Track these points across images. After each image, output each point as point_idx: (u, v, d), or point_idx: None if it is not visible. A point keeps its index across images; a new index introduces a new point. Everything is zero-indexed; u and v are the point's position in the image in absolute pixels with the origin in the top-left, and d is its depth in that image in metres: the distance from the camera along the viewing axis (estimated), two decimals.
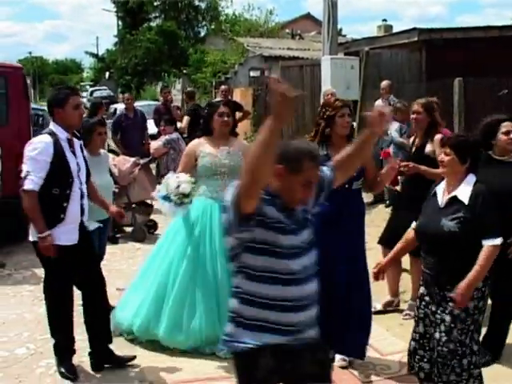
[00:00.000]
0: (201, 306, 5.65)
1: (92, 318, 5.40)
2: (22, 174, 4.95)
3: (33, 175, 4.92)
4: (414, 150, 6.44)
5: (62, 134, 5.11)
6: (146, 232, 10.05)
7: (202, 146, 5.94)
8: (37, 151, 4.97)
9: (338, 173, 3.58)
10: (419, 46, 15.14)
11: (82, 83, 68.46)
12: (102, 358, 5.41)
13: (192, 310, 5.67)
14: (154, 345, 5.78)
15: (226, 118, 5.86)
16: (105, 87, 49.09)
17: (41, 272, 7.87)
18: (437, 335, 4.34)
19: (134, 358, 5.49)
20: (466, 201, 4.25)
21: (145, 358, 5.57)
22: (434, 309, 4.39)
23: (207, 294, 5.65)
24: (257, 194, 3.00)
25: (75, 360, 5.41)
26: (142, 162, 9.82)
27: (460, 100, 11.02)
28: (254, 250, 3.16)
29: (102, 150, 6.81)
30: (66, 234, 5.07)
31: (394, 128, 10.14)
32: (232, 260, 3.27)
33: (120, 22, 51.80)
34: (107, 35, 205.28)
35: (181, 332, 5.65)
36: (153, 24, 49.18)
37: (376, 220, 9.50)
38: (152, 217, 10.38)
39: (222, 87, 14.01)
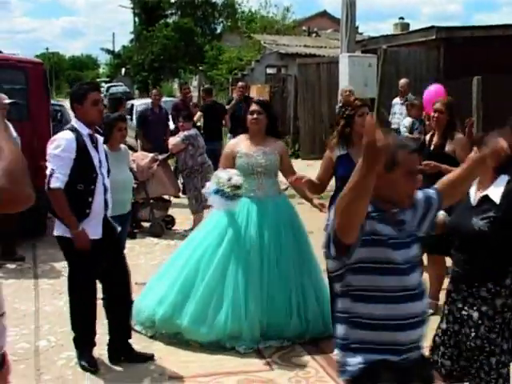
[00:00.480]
0: (228, 300, 5.69)
1: (114, 312, 5.43)
2: (47, 172, 4.96)
3: (58, 173, 4.92)
4: (432, 148, 6.47)
5: (84, 130, 5.13)
6: (164, 227, 10.11)
7: (238, 146, 6.04)
8: (60, 148, 4.98)
9: (445, 196, 3.46)
10: (437, 44, 15.15)
11: (97, 79, 68.66)
12: (121, 351, 5.46)
13: (219, 304, 5.71)
14: (172, 339, 5.82)
15: (255, 116, 5.91)
16: (121, 83, 49.20)
17: (60, 266, 8.01)
18: (466, 330, 4.34)
19: (152, 356, 5.52)
20: (497, 200, 4.24)
21: (163, 352, 5.60)
22: (460, 305, 4.39)
23: (236, 289, 5.70)
24: (355, 229, 2.83)
25: (95, 353, 5.45)
26: (160, 157, 9.87)
27: (478, 98, 11.00)
28: (360, 270, 3.00)
29: (122, 146, 6.85)
30: (91, 228, 5.11)
31: (405, 123, 10.18)
32: (335, 281, 3.12)
33: (136, 19, 51.89)
34: (123, 32, 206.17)
35: (204, 324, 5.69)
36: (169, 20, 49.22)
37: None
38: (170, 212, 10.44)
39: (240, 84, 14.07)
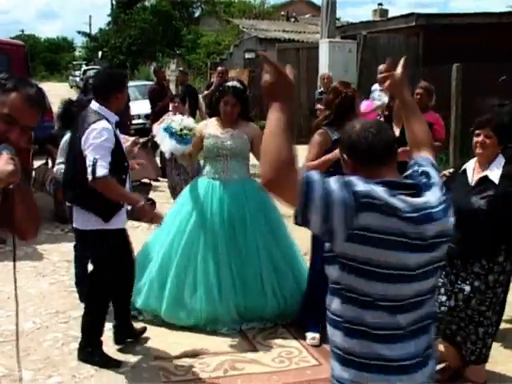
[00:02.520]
0: (201, 285, 5.75)
1: (121, 297, 5.43)
2: (89, 163, 4.69)
3: (101, 161, 4.68)
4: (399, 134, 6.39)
5: (113, 119, 4.94)
6: None
7: (207, 128, 6.01)
8: (103, 138, 4.73)
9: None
10: (416, 31, 15.27)
11: (74, 62, 68.09)
12: (125, 331, 5.50)
13: (193, 289, 5.77)
14: (159, 320, 5.88)
15: (229, 108, 5.86)
16: (98, 67, 48.87)
17: (41, 248, 8.05)
18: (452, 303, 4.55)
19: (145, 329, 5.63)
20: (496, 180, 4.47)
21: (147, 334, 5.65)
22: (453, 278, 4.59)
23: (207, 273, 5.75)
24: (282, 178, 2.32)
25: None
26: (141, 140, 9.87)
27: (457, 86, 11.12)
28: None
29: None
30: (122, 217, 5.07)
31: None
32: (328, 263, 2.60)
33: (114, 2, 51.58)
34: (100, 14, 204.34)
35: (182, 309, 5.76)
36: (147, 4, 48.96)
37: None
38: (150, 195, 10.47)
39: (219, 69, 14.06)
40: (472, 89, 11.07)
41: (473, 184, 4.60)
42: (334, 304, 2.54)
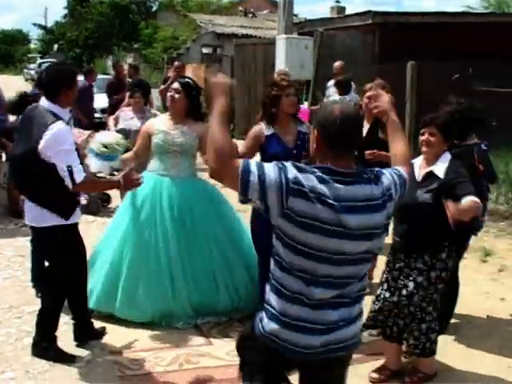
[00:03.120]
0: (154, 282, 5.74)
1: (78, 291, 5.36)
2: (63, 172, 4.61)
3: (75, 166, 4.60)
4: (366, 136, 6.44)
5: (66, 116, 4.85)
6: (100, 205, 10.10)
7: (158, 124, 6.02)
8: (68, 142, 4.64)
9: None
10: (373, 29, 15.41)
11: (29, 55, 67.22)
12: (84, 330, 5.43)
13: (145, 286, 5.74)
14: (114, 317, 5.87)
15: (171, 93, 5.87)
16: (54, 59, 48.31)
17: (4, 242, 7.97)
18: (395, 299, 4.67)
19: (104, 329, 5.58)
20: (441, 175, 4.61)
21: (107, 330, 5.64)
22: (396, 274, 4.69)
23: (159, 269, 5.75)
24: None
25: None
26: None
27: (412, 83, 11.27)
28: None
29: None
30: (78, 211, 5.02)
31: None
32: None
33: None
34: (56, 7, 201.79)
35: (135, 307, 5.75)
36: None
37: None
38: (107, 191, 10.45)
39: (176, 63, 14.07)
40: (426, 87, 11.23)
41: (419, 179, 4.73)
42: (272, 264, 2.96)
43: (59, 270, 5.08)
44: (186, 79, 6.14)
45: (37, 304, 6.00)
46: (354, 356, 3.45)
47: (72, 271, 5.10)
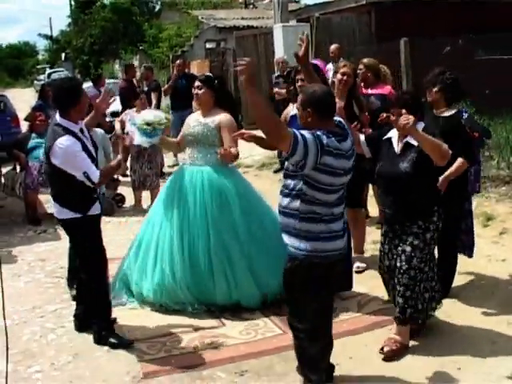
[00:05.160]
0: (159, 263, 6.14)
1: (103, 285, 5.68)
2: (82, 179, 5.18)
3: (89, 170, 5.16)
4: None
5: (76, 128, 5.32)
6: (115, 205, 10.39)
7: (190, 118, 6.42)
8: (74, 153, 5.17)
9: None
10: (368, 9, 15.53)
11: (38, 66, 67.75)
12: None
13: (154, 264, 6.19)
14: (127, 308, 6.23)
15: (195, 91, 6.21)
16: (62, 69, 48.73)
17: (16, 251, 8.29)
18: (398, 264, 4.98)
19: (115, 319, 5.85)
20: (416, 143, 4.87)
21: (119, 319, 5.90)
22: (396, 242, 5.02)
23: (163, 249, 6.16)
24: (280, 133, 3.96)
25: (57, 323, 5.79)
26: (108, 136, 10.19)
27: (406, 60, 11.42)
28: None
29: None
30: (97, 205, 5.47)
31: None
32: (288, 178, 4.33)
33: (72, 2, 51.33)
34: (60, 16, 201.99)
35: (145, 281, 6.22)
36: (106, 2, 48.81)
37: None
38: (119, 191, 10.76)
39: (177, 62, 14.38)
40: (421, 63, 11.38)
41: (398, 152, 5.03)
42: (294, 204, 4.16)
43: (85, 259, 5.49)
44: (202, 74, 6.49)
45: (58, 303, 6.42)
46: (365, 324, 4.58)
47: (99, 259, 5.51)
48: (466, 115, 5.93)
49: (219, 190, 6.08)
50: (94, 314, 5.59)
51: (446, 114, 5.71)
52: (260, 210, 6.29)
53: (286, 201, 4.23)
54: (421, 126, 4.91)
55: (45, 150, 5.40)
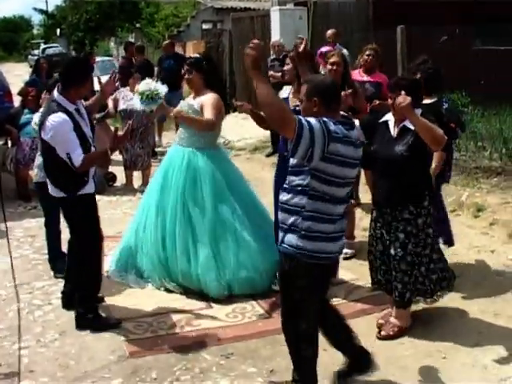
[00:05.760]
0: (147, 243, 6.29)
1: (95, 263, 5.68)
2: (64, 158, 5.09)
3: (72, 152, 5.06)
4: None
5: (71, 108, 5.24)
6: (106, 184, 10.37)
7: (186, 99, 6.54)
8: (63, 131, 5.08)
9: None
10: None
11: (32, 41, 67.34)
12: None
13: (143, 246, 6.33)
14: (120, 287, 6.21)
15: (186, 76, 6.29)
16: (56, 44, 48.44)
17: (3, 226, 8.23)
18: (392, 251, 5.03)
19: (102, 298, 5.90)
20: (413, 127, 4.86)
21: (107, 300, 5.98)
22: (388, 228, 5.03)
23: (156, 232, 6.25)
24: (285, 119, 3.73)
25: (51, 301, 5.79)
26: (97, 116, 10.09)
27: (403, 48, 11.38)
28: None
29: None
30: (89, 186, 5.39)
31: None
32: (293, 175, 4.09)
33: None
34: None
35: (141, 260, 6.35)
36: None
37: None
38: (110, 169, 10.71)
39: (164, 43, 14.85)
40: (417, 51, 11.34)
41: (395, 136, 5.04)
42: (297, 200, 3.92)
43: (80, 236, 5.45)
44: (193, 55, 6.49)
45: (46, 280, 6.41)
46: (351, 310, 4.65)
47: (89, 238, 5.48)
48: (446, 105, 6.01)
49: (194, 172, 6.13)
50: (81, 295, 5.50)
51: (426, 101, 5.70)
52: (238, 197, 6.26)
53: (287, 196, 4.01)
54: (418, 111, 4.91)
55: (39, 124, 5.38)
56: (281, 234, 4.08)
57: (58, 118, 5.11)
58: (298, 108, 4.32)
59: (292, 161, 4.02)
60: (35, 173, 6.64)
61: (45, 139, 5.19)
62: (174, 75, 12.59)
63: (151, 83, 6.33)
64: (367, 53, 7.86)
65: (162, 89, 6.27)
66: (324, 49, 9.65)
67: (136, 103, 6.40)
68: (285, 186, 4.08)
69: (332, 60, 6.59)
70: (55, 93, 5.28)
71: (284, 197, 4.04)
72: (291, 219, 3.96)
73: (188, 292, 6.05)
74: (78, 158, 5.06)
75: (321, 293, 4.19)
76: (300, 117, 3.75)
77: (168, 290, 6.12)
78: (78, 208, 5.37)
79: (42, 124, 5.21)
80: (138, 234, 6.33)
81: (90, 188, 5.42)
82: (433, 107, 5.69)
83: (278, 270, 4.33)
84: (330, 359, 4.64)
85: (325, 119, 3.79)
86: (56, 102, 5.21)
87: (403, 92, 4.70)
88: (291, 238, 3.97)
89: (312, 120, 3.74)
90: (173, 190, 6.12)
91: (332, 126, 3.77)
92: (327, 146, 3.71)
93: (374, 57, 7.91)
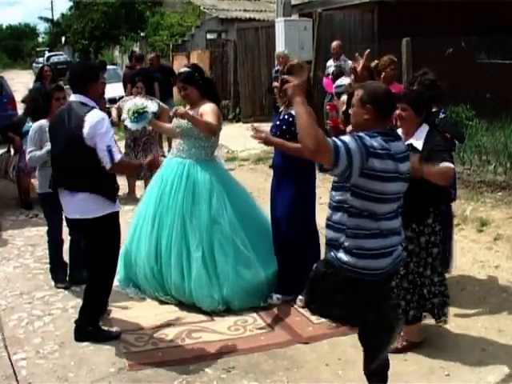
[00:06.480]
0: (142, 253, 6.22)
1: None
2: (102, 153, 4.93)
3: (113, 147, 4.96)
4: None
5: (96, 106, 5.22)
6: None
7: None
8: (106, 125, 4.99)
9: None
10: (371, 7, 15.47)
11: (37, 49, 67.49)
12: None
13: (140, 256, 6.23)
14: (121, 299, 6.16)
15: (182, 93, 6.28)
16: (61, 52, 48.57)
17: (6, 234, 8.23)
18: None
19: (109, 311, 5.87)
20: (419, 147, 4.82)
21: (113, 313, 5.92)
22: None
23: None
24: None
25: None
26: None
27: (408, 59, 11.38)
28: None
29: None
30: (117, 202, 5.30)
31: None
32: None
33: None
34: None
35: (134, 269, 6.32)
36: None
37: None
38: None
39: (150, 56, 14.95)
40: (423, 63, 11.33)
41: None
42: (338, 217, 3.85)
43: (106, 256, 5.32)
44: (183, 68, 6.38)
45: (46, 290, 6.36)
46: None
47: (116, 257, 5.46)
48: (442, 115, 5.90)
49: (193, 184, 6.06)
50: (87, 309, 5.38)
51: None
52: (237, 209, 6.18)
53: (330, 213, 3.94)
54: (425, 129, 4.87)
55: (67, 131, 5.08)
56: (329, 251, 3.99)
57: (98, 113, 5.08)
58: None
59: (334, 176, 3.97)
60: (39, 183, 6.52)
61: (83, 136, 4.94)
62: (163, 87, 12.78)
63: (138, 100, 6.33)
64: (391, 67, 7.67)
65: (151, 105, 6.23)
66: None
67: (128, 124, 6.27)
68: (329, 202, 4.00)
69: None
70: (75, 96, 5.17)
71: (328, 214, 3.97)
72: (335, 236, 3.88)
73: (185, 304, 6.00)
74: (117, 154, 4.98)
75: (372, 311, 3.99)
76: (336, 141, 3.60)
77: (167, 302, 6.06)
78: (114, 225, 5.30)
79: (80, 122, 4.98)
80: (134, 246, 6.26)
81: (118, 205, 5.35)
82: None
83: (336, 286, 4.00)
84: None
85: (360, 134, 3.68)
86: (83, 104, 5.11)
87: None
88: (337, 253, 3.87)
89: (347, 139, 3.62)
90: (171, 204, 6.05)
91: (368, 141, 3.66)
92: (365, 162, 3.60)
93: (394, 69, 7.75)
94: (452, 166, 4.76)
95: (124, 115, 6.35)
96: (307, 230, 5.97)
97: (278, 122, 5.89)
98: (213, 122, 5.99)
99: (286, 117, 5.79)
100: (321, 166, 3.86)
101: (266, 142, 5.82)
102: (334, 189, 3.95)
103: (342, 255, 3.83)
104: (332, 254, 3.90)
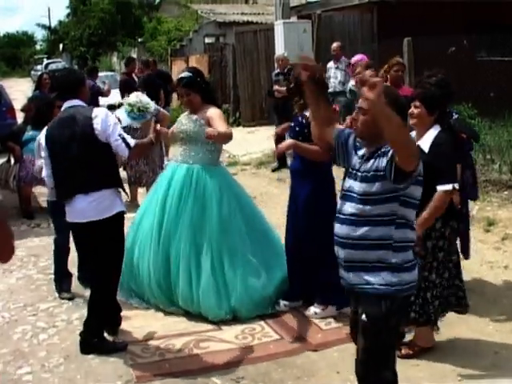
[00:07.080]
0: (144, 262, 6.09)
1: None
2: (117, 142, 5.01)
3: (125, 135, 5.10)
4: None
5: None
6: None
7: (182, 116, 6.32)
8: (112, 118, 5.16)
9: None
10: (370, 8, 15.41)
11: (35, 56, 67.45)
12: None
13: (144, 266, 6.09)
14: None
15: (184, 99, 6.14)
16: (59, 59, 48.53)
17: (17, 243, 8.13)
18: None
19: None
20: (426, 149, 4.71)
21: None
22: None
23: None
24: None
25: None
26: None
27: (410, 59, 11.31)
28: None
29: None
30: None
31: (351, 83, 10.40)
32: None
33: None
34: (59, 6, 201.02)
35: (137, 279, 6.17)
36: None
37: None
38: None
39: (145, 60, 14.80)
40: (424, 63, 11.26)
41: None
42: (380, 231, 3.51)
43: (114, 259, 5.29)
44: (183, 73, 6.24)
45: (50, 301, 6.28)
46: None
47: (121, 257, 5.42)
48: (455, 115, 5.80)
49: (203, 192, 5.96)
50: (91, 320, 5.29)
51: None
52: (245, 217, 6.11)
53: (362, 230, 3.54)
54: (435, 130, 4.78)
55: (74, 133, 5.06)
56: (354, 276, 3.63)
57: (99, 108, 5.22)
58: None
59: (359, 188, 3.57)
60: (49, 191, 6.39)
61: (96, 132, 4.99)
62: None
63: (142, 96, 6.25)
64: (395, 68, 7.56)
65: (153, 105, 6.19)
66: (359, 56, 9.43)
67: (122, 117, 6.18)
68: (351, 218, 3.58)
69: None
70: (71, 102, 5.20)
71: (355, 232, 3.56)
72: (376, 255, 3.54)
73: (192, 314, 5.90)
74: (130, 139, 5.10)
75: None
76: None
77: (170, 314, 5.96)
78: (121, 225, 5.29)
79: (90, 120, 5.02)
80: (136, 254, 6.12)
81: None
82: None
83: (362, 316, 3.65)
84: None
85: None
86: (81, 106, 5.22)
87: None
88: (383, 276, 3.54)
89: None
90: (180, 213, 5.92)
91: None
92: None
93: (402, 72, 7.63)
94: (447, 187, 4.63)
95: (124, 106, 6.26)
96: (324, 237, 5.83)
97: (292, 124, 5.85)
98: (226, 129, 5.92)
99: (300, 119, 5.71)
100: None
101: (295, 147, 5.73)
102: (366, 203, 3.52)
103: (391, 277, 3.53)
104: (375, 280, 3.55)
